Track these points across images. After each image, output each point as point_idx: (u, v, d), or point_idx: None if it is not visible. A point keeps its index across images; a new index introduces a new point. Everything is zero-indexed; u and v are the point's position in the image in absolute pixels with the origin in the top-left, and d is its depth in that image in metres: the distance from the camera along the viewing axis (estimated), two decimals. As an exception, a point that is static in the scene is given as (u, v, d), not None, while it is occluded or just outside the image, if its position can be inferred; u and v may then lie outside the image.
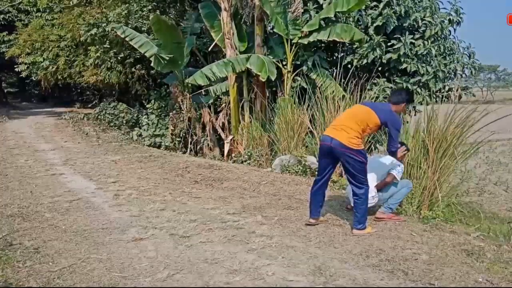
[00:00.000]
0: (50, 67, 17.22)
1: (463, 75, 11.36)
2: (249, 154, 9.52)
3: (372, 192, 5.11)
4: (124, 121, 15.16)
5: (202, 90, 12.08)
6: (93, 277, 3.48)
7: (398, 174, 5.09)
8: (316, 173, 4.81)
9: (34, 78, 19.36)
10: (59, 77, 17.65)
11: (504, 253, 4.30)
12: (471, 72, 11.17)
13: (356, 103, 7.84)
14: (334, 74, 9.55)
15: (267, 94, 11.25)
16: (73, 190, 6.42)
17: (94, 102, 20.64)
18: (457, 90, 7.87)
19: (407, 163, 5.98)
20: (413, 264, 3.91)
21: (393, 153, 4.85)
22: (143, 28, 13.77)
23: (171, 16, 15.40)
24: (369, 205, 5.14)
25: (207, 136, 12.41)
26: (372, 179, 5.14)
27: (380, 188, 5.12)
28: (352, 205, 5.53)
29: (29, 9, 20.35)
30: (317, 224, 4.88)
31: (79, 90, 25.63)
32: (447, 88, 10.41)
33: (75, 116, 17.05)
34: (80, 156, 9.35)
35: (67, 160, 8.81)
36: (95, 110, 16.88)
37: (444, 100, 7.85)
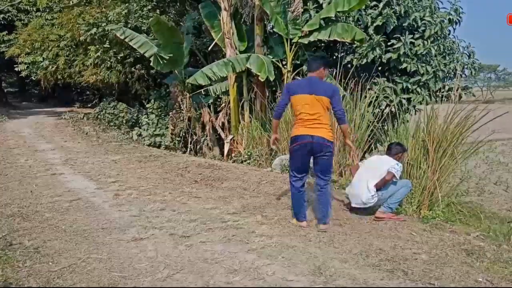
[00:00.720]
0: (50, 66, 17.22)
1: (463, 75, 11.35)
2: (249, 153, 9.52)
3: (372, 191, 5.12)
4: (124, 121, 15.17)
5: (202, 90, 12.08)
6: (93, 277, 3.48)
7: (397, 173, 5.10)
8: (294, 172, 4.77)
9: (34, 77, 19.35)
10: (59, 76, 17.64)
11: (504, 253, 4.30)
12: (471, 71, 11.16)
13: (356, 102, 7.85)
14: (334, 74, 9.54)
15: (267, 94, 11.25)
16: (73, 190, 6.42)
17: (94, 102, 20.67)
18: (457, 90, 7.85)
19: (407, 163, 5.98)
20: (413, 264, 3.92)
21: (343, 120, 4.74)
22: (142, 28, 13.77)
23: (171, 16, 15.40)
24: (369, 205, 5.16)
25: (207, 136, 12.42)
26: (372, 178, 5.14)
27: (380, 187, 5.12)
28: (353, 204, 5.56)
29: (28, 8, 20.34)
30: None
31: (79, 90, 25.63)
32: (447, 87, 10.40)
33: (75, 116, 17.05)
34: (80, 156, 9.35)
35: (67, 160, 8.81)
36: (95, 110, 16.89)
37: (444, 99, 7.85)
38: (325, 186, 4.71)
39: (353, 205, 5.36)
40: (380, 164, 5.23)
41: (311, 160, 4.74)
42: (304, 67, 10.38)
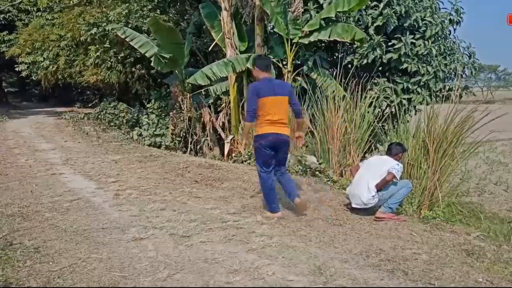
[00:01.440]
0: (51, 66, 17.21)
1: (463, 75, 11.36)
2: (249, 154, 9.51)
3: (372, 191, 5.12)
4: (124, 121, 15.16)
5: (202, 90, 12.08)
6: (93, 276, 3.48)
7: (398, 173, 5.10)
8: (264, 167, 5.14)
9: (34, 77, 19.33)
10: (59, 76, 17.62)
11: (504, 253, 4.31)
12: (472, 72, 11.16)
13: (356, 102, 7.85)
14: (335, 74, 9.54)
15: (267, 94, 11.23)
16: (73, 189, 6.41)
17: (94, 102, 20.68)
18: (457, 90, 7.85)
19: (407, 163, 5.98)
20: (413, 264, 3.92)
21: (300, 114, 5.32)
22: (143, 28, 13.76)
23: (171, 16, 15.39)
24: (369, 205, 5.16)
25: (207, 136, 12.41)
26: (372, 178, 5.15)
27: (380, 187, 5.12)
28: (353, 204, 5.56)
29: (29, 8, 20.32)
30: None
31: (79, 90, 25.61)
32: (447, 88, 10.40)
33: (75, 116, 17.05)
34: (80, 155, 9.35)
35: (67, 160, 8.80)
36: (95, 110, 16.90)
37: (445, 100, 7.84)
38: (284, 171, 5.32)
39: (353, 205, 5.36)
40: (380, 165, 5.23)
41: None
42: (305, 68, 10.39)
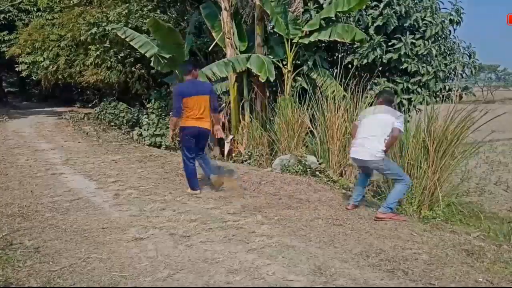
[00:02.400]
0: (51, 66, 17.21)
1: (463, 75, 11.35)
2: (249, 153, 9.52)
3: (382, 144, 5.08)
4: (125, 121, 15.16)
5: (203, 90, 12.06)
6: (93, 276, 3.49)
7: (401, 126, 5.07)
8: (187, 153, 6.21)
9: (35, 77, 19.34)
10: (60, 76, 17.62)
11: (504, 253, 4.31)
12: (471, 72, 11.15)
13: (356, 103, 7.85)
14: (335, 74, 9.54)
15: (268, 94, 11.24)
16: (74, 189, 6.42)
17: (94, 102, 20.64)
18: (457, 90, 7.85)
19: (407, 163, 5.99)
20: (413, 264, 3.92)
21: (217, 110, 6.33)
22: (143, 28, 13.74)
23: (172, 16, 15.39)
24: (376, 159, 5.10)
25: (207, 136, 12.38)
26: (381, 135, 5.09)
27: (388, 146, 5.10)
28: (354, 203, 5.56)
29: (29, 8, 20.33)
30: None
31: (79, 90, 25.59)
32: (447, 88, 10.40)
33: (75, 116, 17.06)
34: (80, 155, 9.35)
35: (67, 160, 8.81)
36: (95, 110, 16.88)
37: (445, 100, 7.85)
38: (204, 155, 6.39)
39: (359, 158, 5.27)
40: (381, 121, 5.14)
41: None
42: (305, 68, 10.39)
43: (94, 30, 14.40)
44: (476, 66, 11.04)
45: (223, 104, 12.11)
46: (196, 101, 5.95)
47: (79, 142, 11.42)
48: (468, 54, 11.05)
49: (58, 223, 4.83)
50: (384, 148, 5.11)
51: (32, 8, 20.08)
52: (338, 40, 9.84)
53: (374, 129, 5.17)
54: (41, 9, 18.45)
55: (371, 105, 7.69)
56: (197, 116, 5.99)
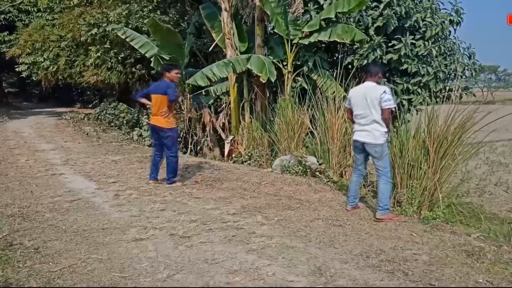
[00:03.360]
0: (51, 67, 17.22)
1: (464, 76, 11.35)
2: (249, 154, 9.52)
3: (383, 126, 5.10)
4: (125, 121, 15.16)
5: (203, 91, 12.08)
6: (93, 277, 3.49)
7: (390, 102, 5.04)
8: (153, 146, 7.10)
9: (35, 78, 19.35)
10: (60, 77, 17.64)
11: (504, 254, 4.30)
12: (472, 72, 11.15)
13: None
14: (335, 75, 9.54)
15: (268, 95, 11.24)
16: (74, 190, 6.42)
17: (94, 102, 20.68)
18: (457, 91, 7.84)
19: (407, 163, 5.98)
20: (413, 265, 3.91)
21: (172, 101, 6.61)
22: (143, 28, 13.75)
23: (171, 16, 15.40)
24: (381, 142, 5.11)
25: (207, 136, 12.40)
26: (377, 116, 5.09)
27: (388, 126, 5.12)
28: (352, 205, 5.56)
29: (29, 9, 20.35)
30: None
31: (79, 90, 25.62)
32: (447, 88, 10.40)
33: (75, 116, 17.06)
34: (80, 156, 9.35)
35: (67, 160, 8.81)
36: (95, 110, 16.89)
37: (445, 100, 7.84)
38: (169, 156, 6.70)
39: (360, 139, 5.26)
40: (372, 96, 5.13)
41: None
42: (305, 68, 10.39)
43: (94, 30, 14.41)
44: (476, 68, 11.05)
45: (223, 105, 12.13)
46: (154, 99, 6.62)
47: (79, 143, 11.42)
48: (468, 55, 11.06)
49: (58, 223, 4.83)
50: (386, 129, 5.13)
51: (32, 8, 20.10)
52: (338, 40, 9.84)
53: (370, 112, 5.15)
54: (41, 9, 18.48)
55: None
56: (153, 113, 6.71)
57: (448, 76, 10.67)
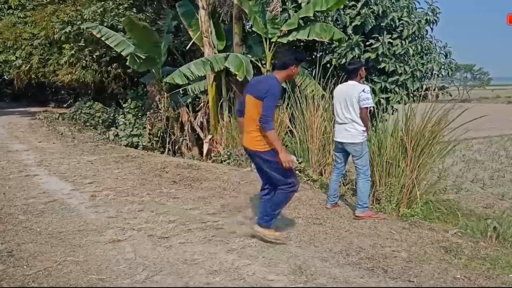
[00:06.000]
0: (23, 65, 16.80)
1: (440, 75, 11.52)
2: (228, 153, 9.47)
3: (361, 125, 5.17)
4: (100, 121, 14.91)
5: (180, 89, 11.98)
6: (69, 280, 3.41)
7: (369, 101, 5.11)
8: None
9: (7, 77, 18.92)
10: (33, 76, 17.23)
11: (481, 250, 4.38)
12: (448, 72, 11.32)
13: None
14: (314, 73, 9.55)
15: (246, 93, 11.20)
16: (48, 191, 6.27)
17: (69, 102, 20.21)
18: (434, 90, 7.94)
19: (385, 161, 6.02)
20: (392, 262, 3.95)
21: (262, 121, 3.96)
22: (119, 27, 13.55)
23: (148, 14, 15.22)
24: (359, 141, 5.18)
25: (185, 136, 12.31)
26: (356, 116, 5.14)
27: (367, 125, 5.19)
28: (332, 204, 5.58)
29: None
30: None
31: (53, 89, 25.08)
32: (424, 87, 10.55)
33: (49, 116, 16.69)
34: (55, 156, 9.15)
35: (41, 161, 8.61)
36: (70, 110, 16.54)
37: (422, 99, 7.94)
38: (275, 191, 4.25)
39: (344, 141, 5.31)
40: (351, 95, 5.20)
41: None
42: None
43: (68, 28, 14.13)
44: (453, 68, 11.23)
45: (201, 104, 12.04)
46: (247, 104, 4.19)
47: (53, 143, 11.18)
48: (445, 54, 11.23)
49: (33, 225, 4.71)
50: (364, 128, 5.19)
51: (2, 5, 19.57)
52: (317, 39, 9.88)
53: (348, 111, 5.22)
54: (12, 6, 18.01)
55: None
56: (244, 127, 4.27)
57: (425, 75, 10.82)
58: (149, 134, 12.55)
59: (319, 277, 3.56)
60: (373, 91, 10.25)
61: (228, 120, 10.70)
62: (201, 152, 11.75)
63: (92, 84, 16.37)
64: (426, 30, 10.95)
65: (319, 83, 9.01)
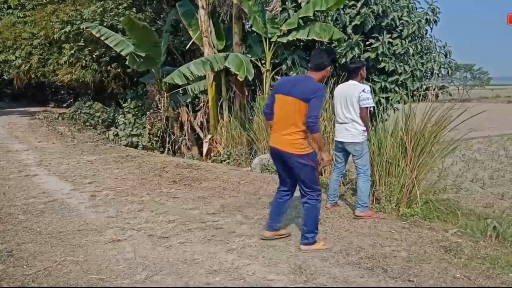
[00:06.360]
0: (23, 65, 16.80)
1: (440, 74, 11.51)
2: (228, 153, 9.47)
3: (362, 125, 5.16)
4: (100, 121, 14.91)
5: (180, 89, 11.98)
6: (69, 279, 3.41)
7: (369, 101, 5.11)
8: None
9: (6, 77, 18.89)
10: (33, 75, 17.22)
11: (481, 249, 4.37)
12: (448, 71, 11.32)
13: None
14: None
15: (246, 93, 11.21)
16: (48, 191, 6.27)
17: (69, 101, 20.17)
18: (434, 89, 7.94)
19: (385, 161, 6.02)
20: (392, 261, 3.94)
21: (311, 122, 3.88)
22: (118, 26, 13.56)
23: (148, 14, 15.22)
24: (359, 140, 5.16)
25: (185, 136, 12.32)
26: (356, 115, 5.14)
27: (367, 125, 5.18)
28: (332, 203, 5.58)
29: (-1, 6, 19.80)
30: None
31: (53, 89, 25.08)
32: (424, 87, 10.54)
33: (49, 116, 16.68)
34: (55, 156, 9.15)
35: (41, 161, 8.61)
36: (70, 110, 16.53)
37: (422, 99, 7.94)
38: (308, 201, 4.14)
39: (344, 140, 5.31)
40: (351, 94, 5.19)
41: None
42: (284, 67, 10.38)
43: (68, 28, 14.13)
44: (452, 66, 11.22)
45: (201, 103, 12.05)
46: (283, 106, 4.09)
47: (53, 143, 11.18)
48: (444, 54, 11.22)
49: (33, 225, 4.71)
50: (364, 128, 5.19)
51: (2, 5, 19.55)
52: (317, 39, 9.89)
53: (348, 111, 5.22)
54: (12, 6, 18.00)
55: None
56: (275, 128, 4.20)
57: (424, 74, 10.81)
58: (149, 134, 12.56)
59: (319, 277, 3.55)
60: (373, 90, 10.25)
61: (228, 120, 10.70)
62: (200, 152, 11.76)
63: (92, 84, 16.38)
64: (426, 30, 10.95)
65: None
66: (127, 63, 11.73)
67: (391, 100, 10.30)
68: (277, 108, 4.12)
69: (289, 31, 10.10)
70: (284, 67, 10.41)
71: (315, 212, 4.11)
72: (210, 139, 11.11)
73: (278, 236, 4.39)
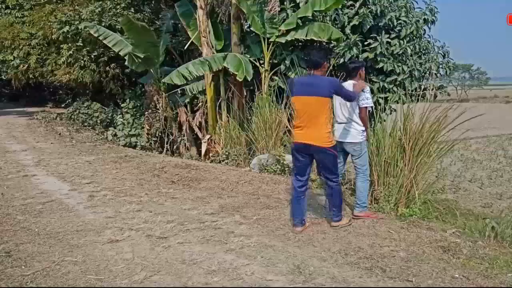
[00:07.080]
0: (21, 65, 16.77)
1: (438, 74, 11.52)
2: (226, 153, 9.46)
3: (360, 125, 5.17)
4: (98, 121, 14.91)
5: (178, 89, 11.97)
6: (68, 280, 3.40)
7: (368, 101, 5.16)
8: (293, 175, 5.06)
9: (4, 77, 18.85)
10: (31, 76, 17.19)
11: (480, 249, 4.37)
12: (446, 71, 11.33)
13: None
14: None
15: (245, 93, 11.20)
16: (46, 191, 6.26)
17: (67, 102, 20.20)
18: (432, 89, 7.92)
19: (384, 161, 6.02)
20: (391, 261, 3.95)
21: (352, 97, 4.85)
22: (117, 26, 13.55)
23: (146, 14, 15.20)
24: (358, 140, 5.18)
25: (183, 136, 12.31)
26: (355, 115, 5.16)
27: (366, 124, 5.20)
28: (345, 140, 5.53)
29: (-3, 6, 19.77)
30: None
31: (51, 89, 25.03)
32: (422, 87, 10.54)
33: (47, 116, 16.67)
34: (53, 156, 9.14)
35: (39, 161, 8.60)
36: (68, 110, 16.53)
37: (420, 99, 7.92)
38: (334, 185, 4.81)
39: (344, 140, 5.29)
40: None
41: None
42: (282, 67, 10.38)
43: (66, 28, 14.11)
44: (451, 67, 11.23)
45: (199, 104, 12.04)
46: (308, 105, 4.59)
47: (51, 143, 11.17)
48: (443, 54, 11.23)
49: (31, 226, 4.70)
50: (363, 128, 5.20)
51: (0, 5, 19.52)
52: (315, 39, 9.90)
53: (346, 111, 5.23)
54: (10, 6, 17.97)
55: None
56: (300, 125, 4.69)
57: (423, 74, 10.81)
58: (147, 134, 12.55)
59: (317, 277, 3.55)
60: (372, 90, 10.25)
61: (226, 120, 10.69)
62: (199, 152, 11.75)
63: (90, 84, 16.34)
64: (424, 30, 10.96)
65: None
66: (125, 63, 11.73)
67: (390, 100, 10.30)
68: (299, 108, 4.65)
69: (288, 31, 10.10)
70: (282, 67, 10.41)
71: (339, 193, 4.85)
72: (208, 139, 11.10)
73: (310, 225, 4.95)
